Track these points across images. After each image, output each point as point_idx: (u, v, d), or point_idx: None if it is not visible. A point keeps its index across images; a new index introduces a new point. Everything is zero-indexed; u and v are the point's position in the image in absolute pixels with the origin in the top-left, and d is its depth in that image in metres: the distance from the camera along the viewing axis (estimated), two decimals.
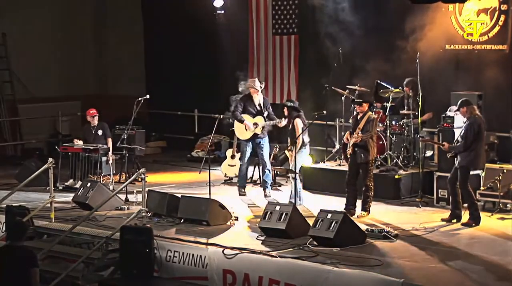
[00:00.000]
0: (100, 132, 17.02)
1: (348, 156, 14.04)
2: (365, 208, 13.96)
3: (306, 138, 14.76)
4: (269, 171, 15.59)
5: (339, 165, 16.11)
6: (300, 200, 14.40)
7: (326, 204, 14.42)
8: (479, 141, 13.32)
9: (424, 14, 16.62)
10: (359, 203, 14.04)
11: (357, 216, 13.69)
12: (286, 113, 14.88)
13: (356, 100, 14.46)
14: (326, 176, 15.59)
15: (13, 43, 21.61)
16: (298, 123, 14.60)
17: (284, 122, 15.07)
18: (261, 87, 15.57)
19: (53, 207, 13.87)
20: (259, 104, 15.55)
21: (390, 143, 15.99)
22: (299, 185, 14.63)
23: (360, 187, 13.95)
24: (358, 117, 14.05)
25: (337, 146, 17.15)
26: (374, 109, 16.12)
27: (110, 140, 16.99)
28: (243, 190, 15.75)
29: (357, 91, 16.49)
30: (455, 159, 13.47)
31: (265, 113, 15.47)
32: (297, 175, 14.35)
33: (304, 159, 14.93)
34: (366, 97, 14.60)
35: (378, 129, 16.05)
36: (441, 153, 14.80)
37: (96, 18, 23.56)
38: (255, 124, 15.43)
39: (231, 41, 20.40)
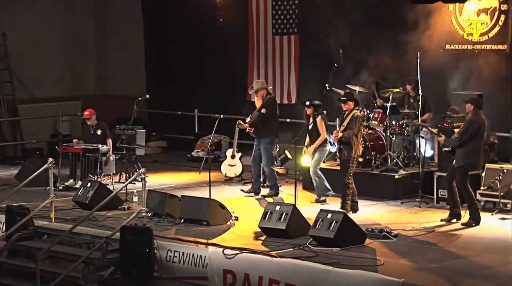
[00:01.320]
0: (99, 132, 16.99)
1: (338, 154, 14.19)
2: (343, 207, 13.94)
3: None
4: (267, 171, 15.59)
5: (339, 165, 16.09)
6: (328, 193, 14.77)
7: (326, 204, 14.44)
8: (477, 141, 13.33)
9: (424, 14, 16.63)
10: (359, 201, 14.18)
11: None
12: (309, 112, 14.80)
13: (341, 98, 14.47)
14: (325, 176, 15.57)
15: (13, 43, 21.62)
16: (321, 123, 14.62)
17: (241, 124, 15.44)
18: (252, 88, 15.65)
19: (53, 207, 13.86)
20: (257, 106, 15.62)
21: (390, 142, 16.00)
22: (325, 182, 14.79)
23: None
24: (344, 115, 14.14)
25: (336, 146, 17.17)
26: (375, 109, 16.18)
27: (109, 141, 16.98)
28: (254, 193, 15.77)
29: (357, 91, 16.50)
30: (452, 157, 13.51)
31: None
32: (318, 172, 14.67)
33: (324, 156, 15.00)
34: (350, 96, 14.66)
35: (378, 129, 16.10)
36: (441, 153, 14.81)
37: (96, 18, 23.56)
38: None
39: (231, 41, 20.41)
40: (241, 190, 15.90)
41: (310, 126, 14.80)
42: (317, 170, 14.83)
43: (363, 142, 15.83)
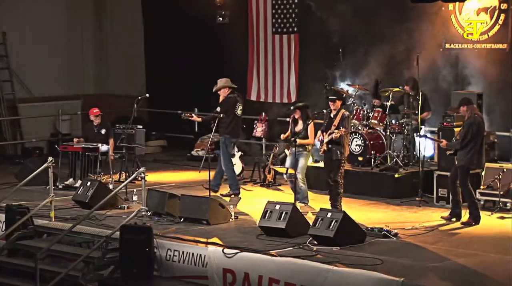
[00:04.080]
0: (103, 131, 17.00)
1: (321, 153, 14.10)
2: (336, 206, 13.91)
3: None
4: (226, 172, 15.49)
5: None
6: (301, 198, 14.40)
7: (325, 203, 14.42)
8: (477, 141, 13.33)
9: (424, 13, 16.63)
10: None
11: None
12: (298, 116, 14.63)
13: (329, 97, 14.40)
14: (326, 175, 15.57)
15: (13, 42, 21.61)
16: (312, 127, 14.50)
17: (187, 115, 15.54)
18: (216, 87, 15.57)
19: (53, 206, 13.86)
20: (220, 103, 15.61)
21: (390, 142, 16.00)
22: (302, 185, 14.60)
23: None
24: (332, 115, 14.10)
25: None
26: (374, 109, 16.18)
27: (112, 141, 16.94)
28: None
29: (357, 91, 16.51)
30: (455, 157, 13.53)
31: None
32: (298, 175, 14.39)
33: (308, 161, 14.91)
34: (339, 95, 14.65)
35: (378, 129, 16.10)
36: (441, 152, 14.82)
37: (96, 17, 23.56)
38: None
39: (231, 40, 20.41)
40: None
41: (296, 129, 14.58)
42: (304, 176, 14.61)
43: (363, 141, 15.88)
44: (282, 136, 14.66)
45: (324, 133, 14.03)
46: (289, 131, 14.81)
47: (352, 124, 15.35)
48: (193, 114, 16.07)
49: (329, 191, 14.24)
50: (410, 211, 14.42)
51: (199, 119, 16.11)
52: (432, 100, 16.12)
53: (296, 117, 14.65)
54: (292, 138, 14.34)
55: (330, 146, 13.92)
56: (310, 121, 14.47)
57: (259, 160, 17.22)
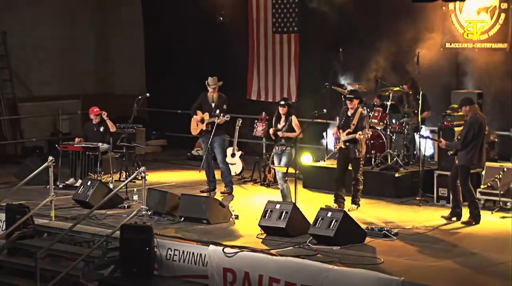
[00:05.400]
0: (101, 129, 17.00)
1: (336, 150, 14.12)
2: (355, 202, 14.13)
3: None
4: (225, 170, 15.57)
5: (338, 162, 16.06)
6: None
7: (326, 202, 14.41)
8: (478, 140, 13.33)
9: (424, 12, 16.63)
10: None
11: (348, 210, 13.66)
12: (284, 112, 14.57)
13: (347, 96, 14.48)
14: (326, 174, 15.58)
15: (13, 42, 21.61)
16: (296, 120, 14.45)
17: (224, 119, 15.24)
18: (212, 85, 15.54)
19: (53, 205, 13.86)
20: (213, 102, 15.55)
21: (390, 141, 16.00)
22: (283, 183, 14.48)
23: (349, 181, 14.09)
24: (349, 113, 14.15)
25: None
26: (375, 108, 16.19)
27: (111, 122, 16.89)
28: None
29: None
30: (456, 157, 13.53)
31: (217, 111, 15.43)
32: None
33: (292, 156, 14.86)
34: (357, 94, 14.66)
35: (378, 128, 16.11)
36: (441, 151, 14.82)
37: (96, 16, 23.56)
38: (202, 120, 15.57)
39: (231, 39, 20.40)
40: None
41: (280, 126, 14.47)
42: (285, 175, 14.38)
43: None
44: (272, 130, 14.57)
45: (341, 131, 14.10)
46: (273, 127, 14.60)
47: None
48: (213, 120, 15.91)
49: (336, 189, 14.27)
50: (410, 210, 14.42)
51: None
52: (432, 100, 16.12)
53: (282, 113, 14.46)
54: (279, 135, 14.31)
55: (347, 144, 14.00)
56: (291, 114, 14.33)
57: (259, 159, 17.21)
